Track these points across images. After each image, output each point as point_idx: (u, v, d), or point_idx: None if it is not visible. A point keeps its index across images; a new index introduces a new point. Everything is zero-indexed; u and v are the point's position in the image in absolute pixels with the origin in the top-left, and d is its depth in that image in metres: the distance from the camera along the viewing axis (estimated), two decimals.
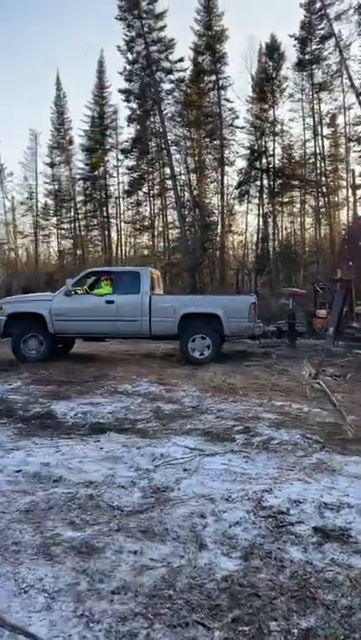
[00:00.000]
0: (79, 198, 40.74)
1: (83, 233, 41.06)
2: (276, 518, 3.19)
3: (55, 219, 41.87)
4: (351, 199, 30.28)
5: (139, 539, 2.95)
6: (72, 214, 41.13)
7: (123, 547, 2.86)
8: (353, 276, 9.85)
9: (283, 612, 2.28)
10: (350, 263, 10.03)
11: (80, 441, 4.98)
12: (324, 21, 29.78)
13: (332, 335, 9.95)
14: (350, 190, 28.93)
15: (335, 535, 2.97)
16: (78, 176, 40.17)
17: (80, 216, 40.93)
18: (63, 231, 42.00)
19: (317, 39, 30.96)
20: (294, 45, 31.96)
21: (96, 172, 39.26)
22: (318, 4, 29.79)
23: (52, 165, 40.56)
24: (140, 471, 4.11)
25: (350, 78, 28.01)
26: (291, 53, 32.67)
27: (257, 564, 2.67)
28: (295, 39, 31.64)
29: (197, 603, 2.34)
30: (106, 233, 40.62)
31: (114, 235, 41.07)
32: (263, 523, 3.14)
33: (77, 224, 40.89)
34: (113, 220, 40.62)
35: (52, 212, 42.02)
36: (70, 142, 40.30)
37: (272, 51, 33.82)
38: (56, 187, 40.96)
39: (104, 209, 39.91)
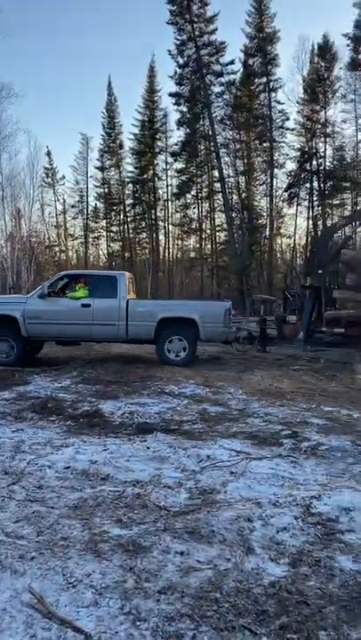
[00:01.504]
0: (128, 201, 41.38)
1: (131, 235, 41.59)
2: (325, 526, 3.12)
3: (105, 221, 42.71)
4: None
5: (185, 539, 2.94)
6: (121, 217, 41.81)
7: (169, 547, 2.86)
8: (321, 284, 9.96)
9: (333, 621, 2.22)
10: (319, 271, 10.15)
11: (127, 440, 5.03)
12: None
13: (302, 340, 9.99)
14: None
15: None
16: (128, 179, 40.83)
17: (129, 219, 41.51)
18: (112, 234, 42.80)
19: None
20: (348, 45, 31.50)
21: (145, 176, 39.74)
22: None
23: (102, 169, 41.42)
24: (187, 472, 4.10)
25: None
26: (344, 53, 32.14)
27: (305, 572, 2.61)
28: (349, 38, 31.14)
29: (244, 607, 2.31)
30: (154, 235, 40.99)
31: (162, 237, 41.43)
32: (312, 530, 3.07)
33: (126, 227, 41.49)
34: (161, 223, 41.04)
35: (101, 214, 42.91)
36: (120, 146, 41.05)
37: (324, 51, 33.35)
38: (106, 190, 41.77)
39: (152, 212, 40.34)
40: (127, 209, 41.42)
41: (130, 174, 40.66)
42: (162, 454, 4.57)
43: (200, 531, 3.04)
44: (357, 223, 13.36)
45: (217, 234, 37.35)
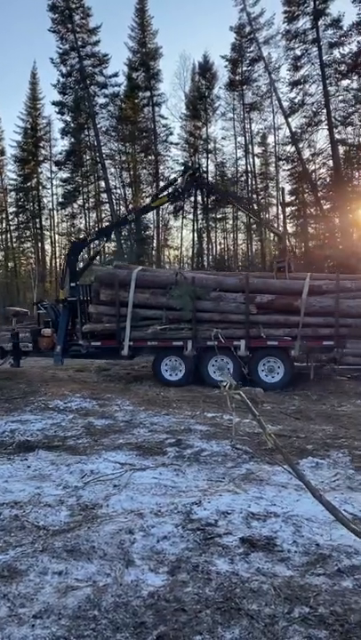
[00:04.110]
0: (11, 209, 39.85)
1: (15, 245, 40.06)
2: (205, 531, 3.20)
3: None
4: (281, 216, 31.48)
5: (64, 558, 2.86)
6: (3, 226, 40.16)
7: (47, 568, 2.77)
8: (77, 297, 10.24)
9: (208, 625, 2.27)
10: (72, 284, 10.45)
11: (6, 460, 4.81)
12: (254, 45, 30.94)
13: (59, 353, 10.19)
14: (280, 207, 30.08)
15: (261, 545, 3.01)
16: (10, 187, 39.34)
17: (12, 227, 39.97)
18: None
19: (248, 61, 32.11)
20: (226, 66, 33.00)
21: (29, 184, 38.56)
22: (248, 29, 30.93)
23: None
24: (69, 489, 4.01)
25: (279, 100, 29.22)
26: (223, 73, 33.71)
27: (184, 578, 2.66)
28: (227, 60, 32.67)
29: (122, 622, 2.30)
30: (39, 245, 39.82)
31: (48, 247, 40.36)
32: (191, 536, 3.14)
33: (9, 235, 39.89)
34: (47, 232, 39.96)
35: None
36: (2, 153, 39.51)
37: (205, 70, 34.73)
38: None
39: (37, 220, 39.16)
40: (10, 217, 39.89)
41: (12, 182, 39.29)
42: (43, 472, 4.43)
43: (80, 548, 2.98)
44: (104, 239, 13.67)
45: (105, 244, 37.19)
